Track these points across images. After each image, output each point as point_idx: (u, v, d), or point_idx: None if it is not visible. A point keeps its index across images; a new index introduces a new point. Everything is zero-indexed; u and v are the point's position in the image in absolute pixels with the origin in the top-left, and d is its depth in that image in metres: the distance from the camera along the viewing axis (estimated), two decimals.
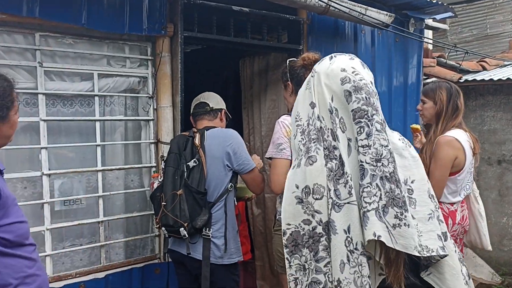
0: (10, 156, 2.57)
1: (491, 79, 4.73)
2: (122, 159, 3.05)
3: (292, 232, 1.67)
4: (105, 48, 2.92)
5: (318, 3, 3.22)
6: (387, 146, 1.61)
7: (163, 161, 2.65)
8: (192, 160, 2.48)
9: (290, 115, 1.98)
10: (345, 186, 1.62)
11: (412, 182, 1.69)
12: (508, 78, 4.62)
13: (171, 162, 2.51)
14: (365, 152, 1.60)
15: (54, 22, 2.65)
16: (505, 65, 5.56)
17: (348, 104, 1.65)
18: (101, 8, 2.74)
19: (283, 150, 2.26)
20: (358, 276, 1.58)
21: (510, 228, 4.87)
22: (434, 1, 4.15)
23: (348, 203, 1.61)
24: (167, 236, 2.53)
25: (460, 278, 1.69)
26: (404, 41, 4.35)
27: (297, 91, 1.98)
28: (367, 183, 1.58)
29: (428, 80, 4.68)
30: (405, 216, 1.56)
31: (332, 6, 3.28)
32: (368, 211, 1.56)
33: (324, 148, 1.67)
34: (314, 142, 1.68)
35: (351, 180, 1.62)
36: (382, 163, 1.59)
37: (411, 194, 1.67)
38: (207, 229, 2.46)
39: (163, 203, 2.44)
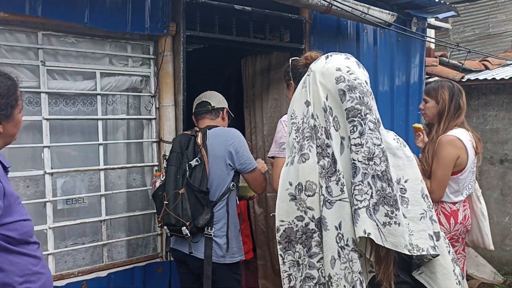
0: (13, 154, 2.57)
1: (494, 79, 4.72)
2: (124, 158, 3.05)
3: (285, 228, 1.67)
4: (107, 47, 2.93)
5: (320, 2, 3.22)
6: (379, 145, 1.61)
7: (165, 160, 2.65)
8: (194, 159, 2.49)
9: None
10: (337, 184, 1.63)
11: (405, 181, 1.69)
12: (511, 78, 4.61)
13: (173, 161, 2.52)
14: (358, 151, 1.60)
15: (56, 21, 2.65)
16: (508, 64, 5.54)
17: (342, 103, 1.65)
18: (103, 7, 2.75)
19: (286, 149, 2.26)
20: (349, 272, 1.59)
21: None
22: (436, 0, 4.14)
23: (339, 200, 1.62)
24: (169, 235, 2.54)
25: (452, 278, 1.69)
26: (407, 40, 4.34)
27: None
28: (359, 181, 1.59)
29: (430, 79, 4.67)
30: (396, 215, 1.57)
31: (335, 5, 3.28)
32: (359, 208, 1.57)
33: (317, 146, 1.68)
34: (307, 140, 1.69)
35: (343, 177, 1.62)
36: (374, 161, 1.59)
37: (403, 193, 1.67)
38: (209, 228, 2.47)
39: (165, 202, 2.44)
